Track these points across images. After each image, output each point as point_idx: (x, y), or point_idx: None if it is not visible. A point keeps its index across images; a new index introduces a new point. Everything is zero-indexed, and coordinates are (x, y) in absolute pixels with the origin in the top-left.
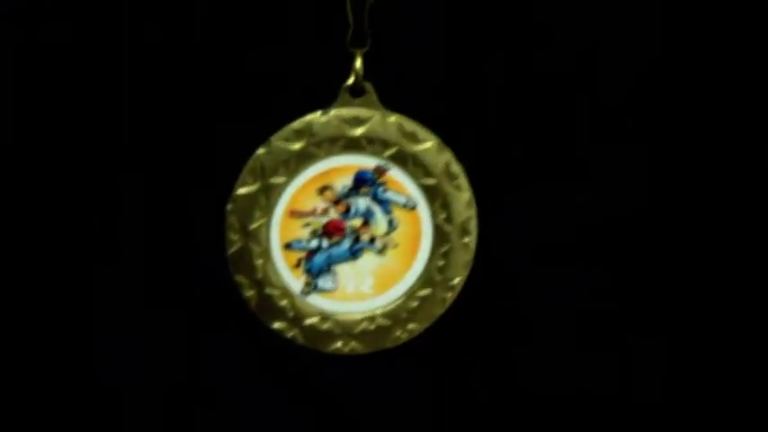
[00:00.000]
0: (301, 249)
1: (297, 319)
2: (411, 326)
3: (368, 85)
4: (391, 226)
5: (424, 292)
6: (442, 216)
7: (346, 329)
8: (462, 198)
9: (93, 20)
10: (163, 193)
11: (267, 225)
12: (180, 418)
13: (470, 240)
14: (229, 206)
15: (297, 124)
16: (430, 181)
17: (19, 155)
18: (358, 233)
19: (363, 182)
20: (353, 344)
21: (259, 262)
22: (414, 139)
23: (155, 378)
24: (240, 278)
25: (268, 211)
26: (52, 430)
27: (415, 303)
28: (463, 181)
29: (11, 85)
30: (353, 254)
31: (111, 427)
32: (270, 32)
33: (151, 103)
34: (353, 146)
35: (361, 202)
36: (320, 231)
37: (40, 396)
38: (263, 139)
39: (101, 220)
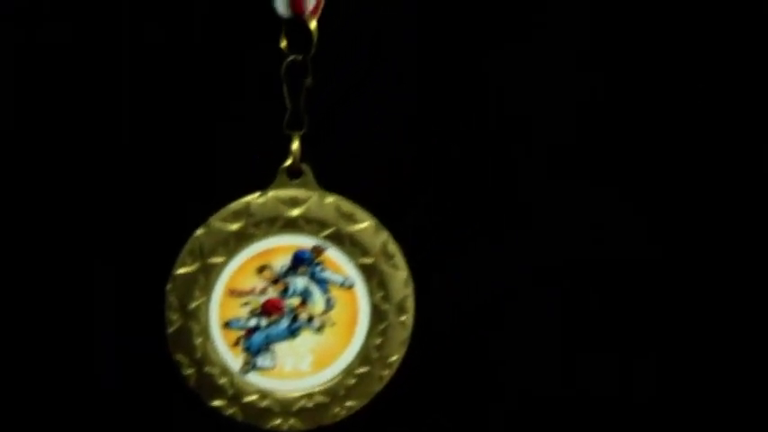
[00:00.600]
0: (240, 328)
1: (236, 396)
2: (349, 403)
3: (305, 167)
4: (329, 305)
5: (362, 369)
6: (380, 295)
7: (285, 407)
8: (399, 277)
9: (93, 20)
10: (163, 193)
11: (206, 304)
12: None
13: (407, 318)
14: (169, 286)
15: (235, 205)
16: (367, 260)
17: (19, 154)
18: (296, 312)
19: (301, 261)
20: (292, 421)
21: (198, 341)
22: (351, 219)
23: (154, 378)
24: (180, 357)
25: (207, 290)
26: (52, 430)
27: (353, 381)
28: (400, 260)
29: (11, 85)
30: (292, 332)
31: (112, 426)
32: (210, 114)
33: (151, 104)
34: (291, 226)
35: (300, 282)
36: (259, 310)
37: (40, 396)
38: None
39: (101, 220)
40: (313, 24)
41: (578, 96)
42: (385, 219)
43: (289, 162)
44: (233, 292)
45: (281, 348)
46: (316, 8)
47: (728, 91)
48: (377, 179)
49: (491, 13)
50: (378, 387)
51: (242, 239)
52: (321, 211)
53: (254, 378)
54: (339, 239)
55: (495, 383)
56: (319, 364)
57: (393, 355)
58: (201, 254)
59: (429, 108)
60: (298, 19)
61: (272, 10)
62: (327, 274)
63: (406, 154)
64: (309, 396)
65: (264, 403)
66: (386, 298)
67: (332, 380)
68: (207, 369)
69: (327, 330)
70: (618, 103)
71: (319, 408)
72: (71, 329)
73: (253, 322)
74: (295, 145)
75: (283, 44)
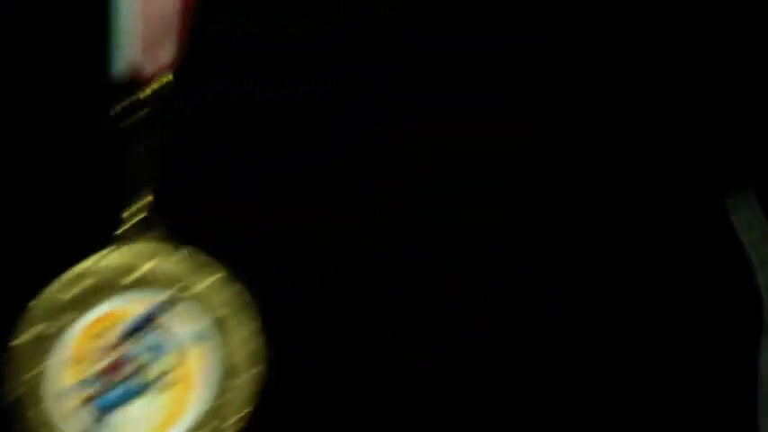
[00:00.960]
0: (80, 395)
1: None
2: None
3: (154, 222)
4: (176, 361)
5: (211, 425)
6: (229, 349)
7: None
8: (248, 330)
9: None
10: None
11: (45, 372)
12: None
13: (257, 372)
14: (6, 357)
15: (76, 269)
16: (216, 314)
17: (19, 156)
18: (141, 373)
19: (148, 320)
20: None
21: (35, 410)
22: (201, 273)
23: None
24: (18, 427)
25: (45, 359)
26: None
27: None
28: (249, 313)
29: (10, 85)
30: (136, 394)
31: None
32: (55, 170)
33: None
34: (138, 284)
35: (146, 341)
36: (101, 374)
37: None
38: None
39: (99, 221)
40: (162, 80)
41: (578, 96)
42: (236, 271)
43: (136, 218)
44: (73, 359)
45: (125, 412)
46: (159, 70)
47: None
48: (228, 232)
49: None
50: None
51: (82, 303)
52: (170, 267)
53: None
54: (188, 294)
55: None
56: (166, 425)
57: (242, 410)
58: (38, 322)
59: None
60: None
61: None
62: (176, 331)
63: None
64: None
65: None
66: (235, 352)
67: None
68: None
69: (175, 388)
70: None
71: None
72: None
73: (94, 388)
74: (142, 201)
75: (124, 104)
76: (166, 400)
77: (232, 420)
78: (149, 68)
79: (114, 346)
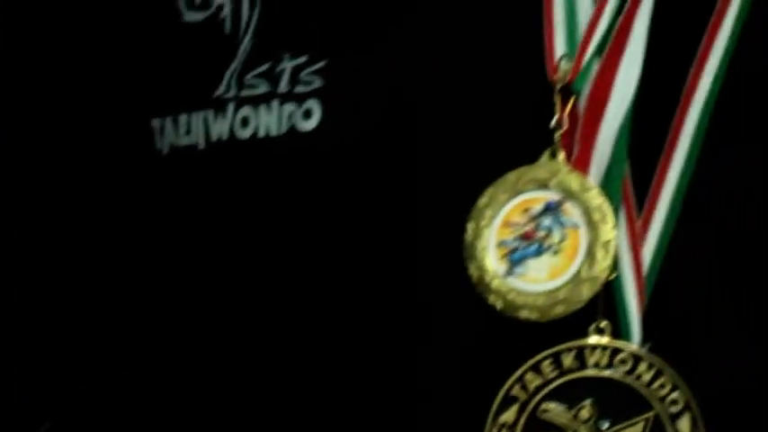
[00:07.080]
0: (507, 246)
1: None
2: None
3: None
4: (565, 236)
5: (575, 283)
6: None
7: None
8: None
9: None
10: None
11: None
12: None
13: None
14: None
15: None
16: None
17: (17, 159)
18: (546, 239)
19: (553, 207)
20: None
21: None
22: (585, 189)
23: None
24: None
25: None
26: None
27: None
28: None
29: (9, 87)
30: (539, 253)
31: None
32: None
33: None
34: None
35: (546, 221)
36: (519, 237)
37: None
38: None
39: (97, 225)
40: None
41: None
42: None
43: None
44: (502, 225)
45: (528, 264)
46: None
47: None
48: None
49: None
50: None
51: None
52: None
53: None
54: (572, 197)
55: None
56: (551, 276)
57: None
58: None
59: None
60: None
61: None
62: (564, 218)
63: None
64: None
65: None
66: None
67: (560, 287)
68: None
69: (561, 254)
70: None
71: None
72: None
73: (515, 244)
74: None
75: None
76: (556, 261)
77: (586, 288)
78: None
79: (532, 219)
